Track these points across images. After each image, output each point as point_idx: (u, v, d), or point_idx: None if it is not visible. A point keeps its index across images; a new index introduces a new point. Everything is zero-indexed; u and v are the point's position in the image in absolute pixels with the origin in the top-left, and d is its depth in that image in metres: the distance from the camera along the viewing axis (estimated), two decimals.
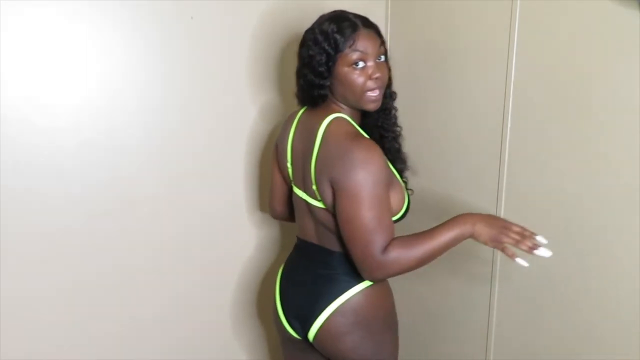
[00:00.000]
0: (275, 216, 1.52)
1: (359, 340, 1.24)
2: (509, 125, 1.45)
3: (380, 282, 1.25)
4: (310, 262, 1.31)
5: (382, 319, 1.28)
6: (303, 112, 1.31)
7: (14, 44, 1.26)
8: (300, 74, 1.24)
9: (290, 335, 1.33)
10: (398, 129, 1.37)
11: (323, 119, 1.20)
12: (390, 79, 1.28)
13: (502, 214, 1.50)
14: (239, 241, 1.73)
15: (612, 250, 1.26)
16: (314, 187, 1.20)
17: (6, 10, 1.24)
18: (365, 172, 1.11)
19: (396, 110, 1.35)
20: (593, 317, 1.33)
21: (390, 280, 1.28)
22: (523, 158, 1.43)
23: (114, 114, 1.42)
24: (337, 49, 1.16)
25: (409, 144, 1.80)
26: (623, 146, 1.20)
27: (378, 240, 1.12)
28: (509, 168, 1.47)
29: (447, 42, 1.60)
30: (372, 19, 1.22)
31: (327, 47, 1.16)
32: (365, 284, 1.24)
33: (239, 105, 1.61)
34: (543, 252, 1.09)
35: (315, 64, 1.18)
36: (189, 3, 1.45)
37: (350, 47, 1.16)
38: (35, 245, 1.38)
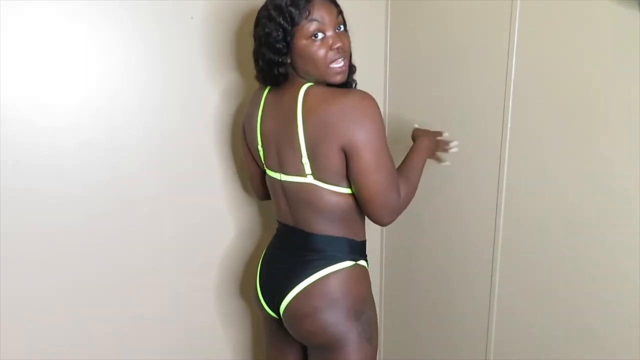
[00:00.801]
0: (261, 197, 1.50)
1: (319, 325, 1.19)
2: (509, 125, 1.45)
3: (388, 223, 1.22)
4: (286, 244, 1.30)
5: (350, 306, 1.21)
6: (268, 93, 1.27)
7: (14, 44, 1.26)
8: (258, 54, 1.19)
9: (269, 314, 1.33)
10: None
11: (295, 94, 1.17)
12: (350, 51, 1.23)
13: (502, 214, 1.50)
14: (240, 241, 1.73)
15: (612, 250, 1.26)
16: (303, 160, 1.16)
17: (6, 10, 1.24)
18: (375, 122, 1.11)
19: (356, 83, 1.30)
20: (593, 317, 1.33)
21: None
22: (523, 158, 1.43)
23: (114, 114, 1.42)
24: (293, 22, 1.12)
25: (409, 144, 1.80)
26: (623, 146, 1.20)
27: (397, 186, 1.16)
28: (509, 168, 1.47)
29: (447, 42, 1.60)
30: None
31: (282, 22, 1.12)
32: (338, 266, 1.21)
33: (240, 105, 1.61)
34: (455, 148, 1.44)
35: (273, 41, 1.14)
36: (189, 3, 1.46)
37: (306, 18, 1.12)
38: (35, 245, 1.38)
